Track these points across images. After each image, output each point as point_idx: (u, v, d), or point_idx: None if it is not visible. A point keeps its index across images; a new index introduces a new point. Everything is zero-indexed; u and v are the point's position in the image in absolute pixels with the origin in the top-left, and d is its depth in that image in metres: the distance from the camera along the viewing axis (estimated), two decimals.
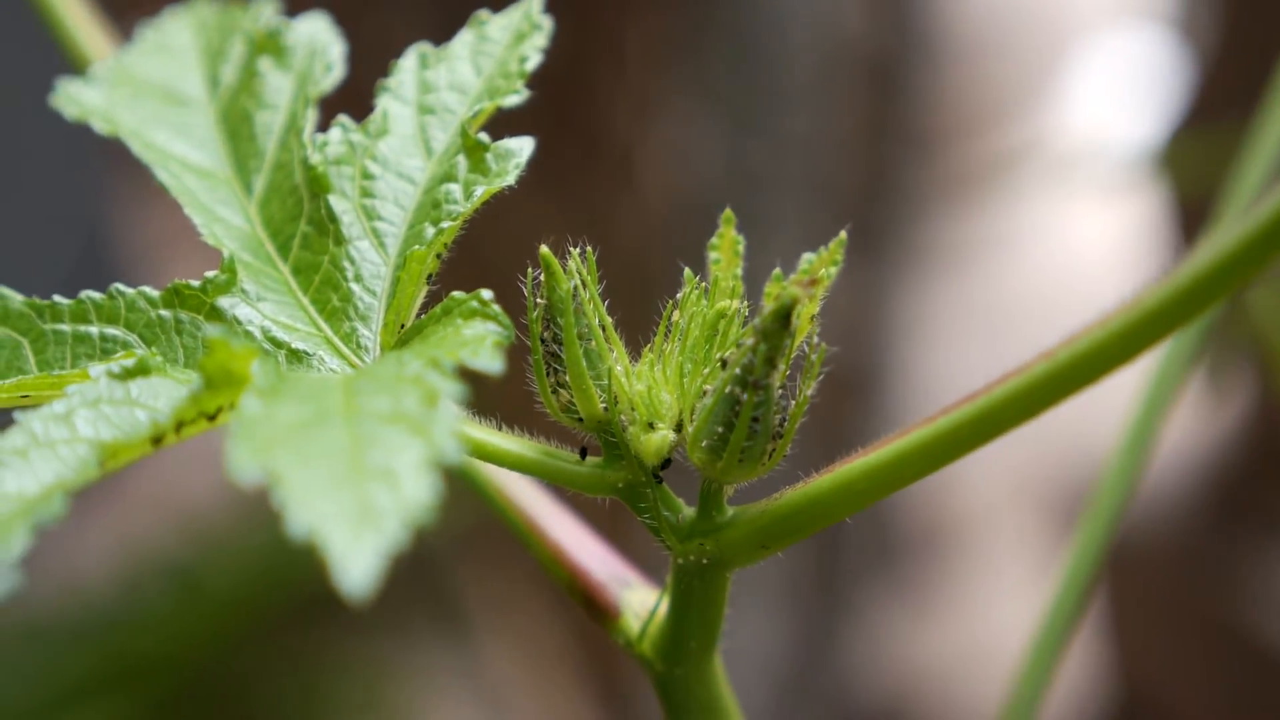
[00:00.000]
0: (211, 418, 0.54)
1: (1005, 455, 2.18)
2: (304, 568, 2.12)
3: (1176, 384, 0.83)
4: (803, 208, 1.66)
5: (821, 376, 0.58)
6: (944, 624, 2.17)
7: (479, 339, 0.54)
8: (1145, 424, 0.83)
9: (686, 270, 0.60)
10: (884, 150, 1.78)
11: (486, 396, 0.62)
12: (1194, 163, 1.66)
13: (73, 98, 0.65)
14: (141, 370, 0.54)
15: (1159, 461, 2.01)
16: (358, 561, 0.45)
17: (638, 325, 0.62)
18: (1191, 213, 1.90)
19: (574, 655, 2.19)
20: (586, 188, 1.85)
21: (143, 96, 0.66)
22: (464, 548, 2.20)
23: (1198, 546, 2.01)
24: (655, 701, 0.64)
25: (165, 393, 0.54)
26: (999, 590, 2.21)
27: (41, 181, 2.22)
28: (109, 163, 2.22)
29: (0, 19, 2.11)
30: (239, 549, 2.13)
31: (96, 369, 0.54)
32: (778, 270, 0.60)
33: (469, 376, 0.53)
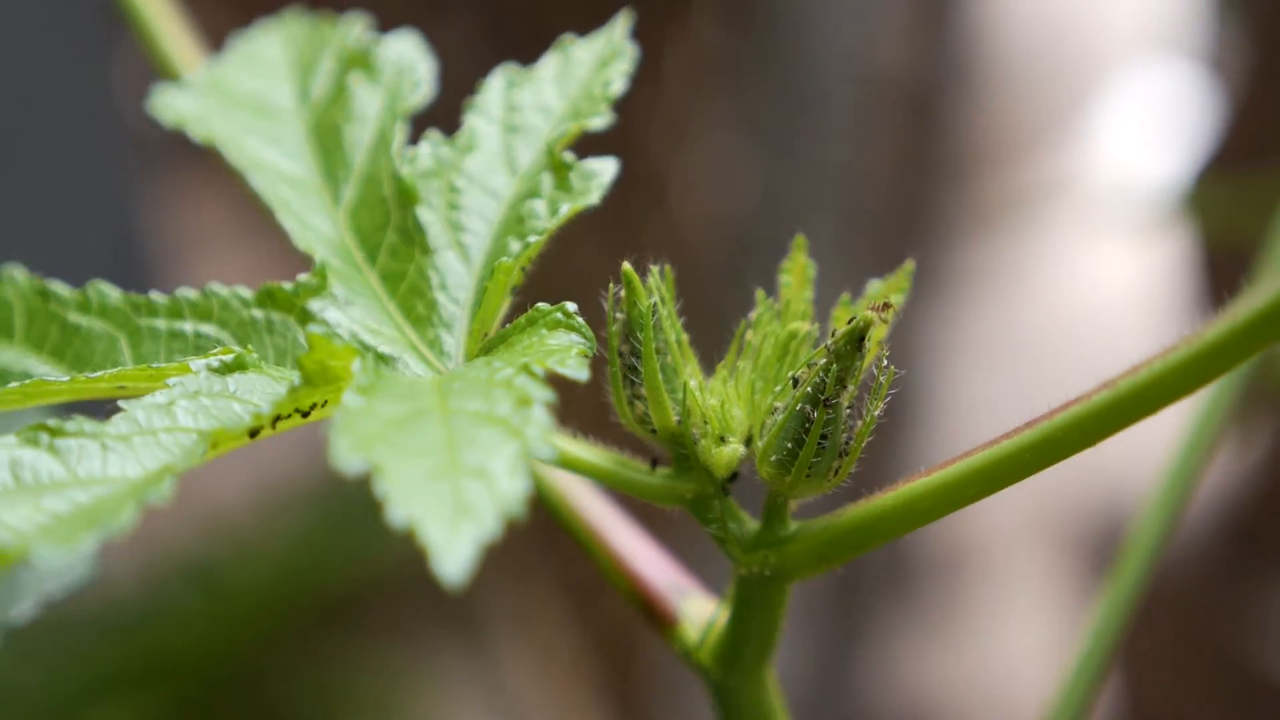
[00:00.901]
0: (305, 414, 0.56)
1: (1026, 484, 2.20)
2: (327, 572, 2.15)
3: (1218, 428, 0.86)
4: (838, 235, 1.68)
5: (889, 398, 0.60)
6: (960, 651, 2.19)
7: (565, 349, 0.56)
8: (1186, 468, 0.85)
9: (759, 291, 0.62)
10: (918, 179, 1.80)
11: (561, 408, 0.65)
12: (1222, 207, 1.69)
13: (169, 105, 0.68)
14: (239, 366, 0.57)
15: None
16: (455, 551, 0.47)
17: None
18: (1218, 257, 1.93)
19: (591, 667, 2.21)
20: (622, 211, 1.87)
21: (235, 106, 0.68)
22: (484, 557, 2.21)
23: (1211, 582, 2.03)
24: (671, 714, 0.66)
25: (261, 388, 0.56)
26: (1016, 619, 2.22)
27: (75, 177, 2.25)
28: (142, 160, 2.24)
29: (38, 15, 2.13)
30: (263, 551, 2.16)
31: (197, 363, 0.56)
32: (845, 295, 0.63)
33: (552, 385, 0.55)
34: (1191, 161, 2.07)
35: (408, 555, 2.12)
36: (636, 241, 1.94)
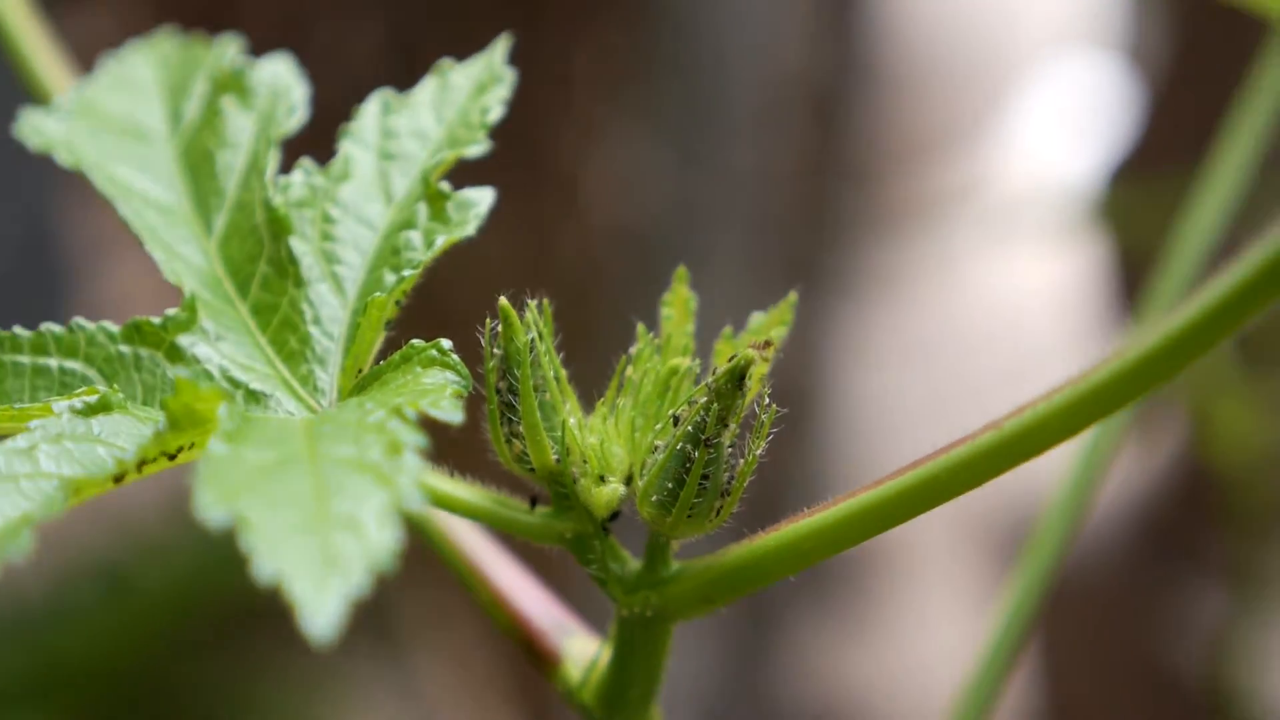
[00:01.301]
0: (172, 456, 0.55)
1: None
2: (237, 575, 2.12)
3: (1120, 429, 0.85)
4: (743, 239, 1.67)
5: (771, 437, 0.59)
6: (875, 652, 2.19)
7: (439, 388, 0.54)
8: (1088, 467, 0.85)
9: (640, 326, 0.61)
10: (825, 183, 1.80)
11: (440, 443, 0.63)
12: (1135, 212, 1.69)
13: (36, 129, 0.66)
14: (104, 407, 0.55)
15: (1095, 505, 2.04)
16: (323, 607, 0.46)
17: (581, 356, 0.63)
18: (1131, 259, 1.93)
19: (505, 677, 2.20)
20: (531, 215, 1.86)
21: (104, 130, 0.66)
22: (401, 566, 2.20)
23: (1126, 580, 2.03)
24: None
25: (127, 430, 0.55)
26: (930, 620, 2.23)
27: None
28: (51, 166, 2.21)
29: None
30: (172, 552, 2.13)
31: (60, 405, 0.54)
32: (728, 329, 0.61)
33: (425, 424, 0.54)
34: (1106, 161, 2.07)
35: None
36: (547, 247, 1.93)
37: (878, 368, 2.02)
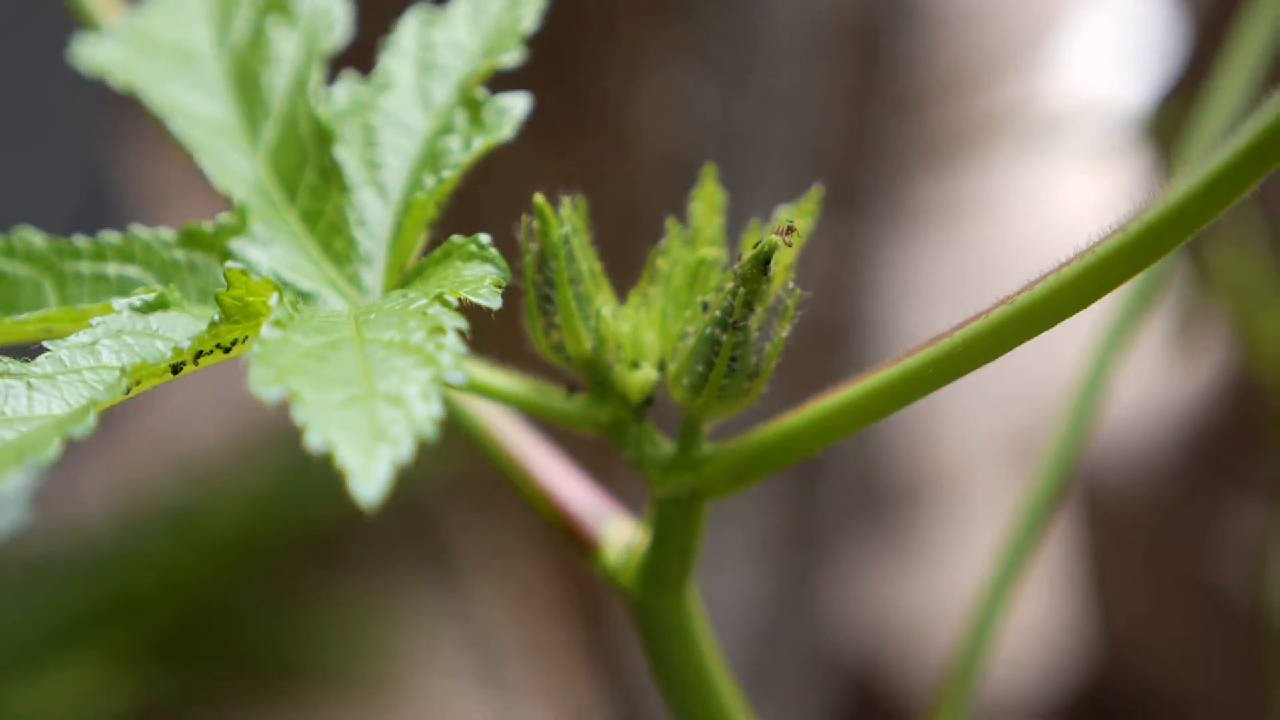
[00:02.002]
0: (227, 349, 0.58)
1: (989, 410, 2.22)
2: (299, 509, 2.17)
3: (1129, 330, 0.87)
4: (788, 167, 1.70)
5: (797, 321, 0.62)
6: (922, 576, 2.21)
7: (479, 279, 0.57)
8: (1098, 368, 0.87)
9: (670, 220, 0.64)
10: (870, 111, 1.81)
11: (479, 339, 0.66)
12: (1183, 128, 1.69)
13: (89, 54, 0.69)
14: (161, 305, 0.58)
15: (1137, 421, 2.06)
16: (371, 474, 0.49)
17: (626, 275, 0.66)
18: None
19: (562, 600, 2.23)
20: (577, 144, 1.89)
21: (156, 53, 0.69)
22: (455, 494, 2.24)
23: (1175, 504, 2.05)
24: (639, 651, 0.68)
25: (183, 326, 0.58)
26: (978, 542, 2.25)
27: (47, 127, 2.26)
28: (114, 110, 2.25)
29: None
30: (236, 491, 2.18)
31: (119, 303, 0.58)
32: (755, 221, 0.64)
33: (467, 316, 0.57)
34: (1154, 87, 2.08)
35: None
36: (594, 178, 1.96)
37: (924, 295, 2.04)
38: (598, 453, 0.74)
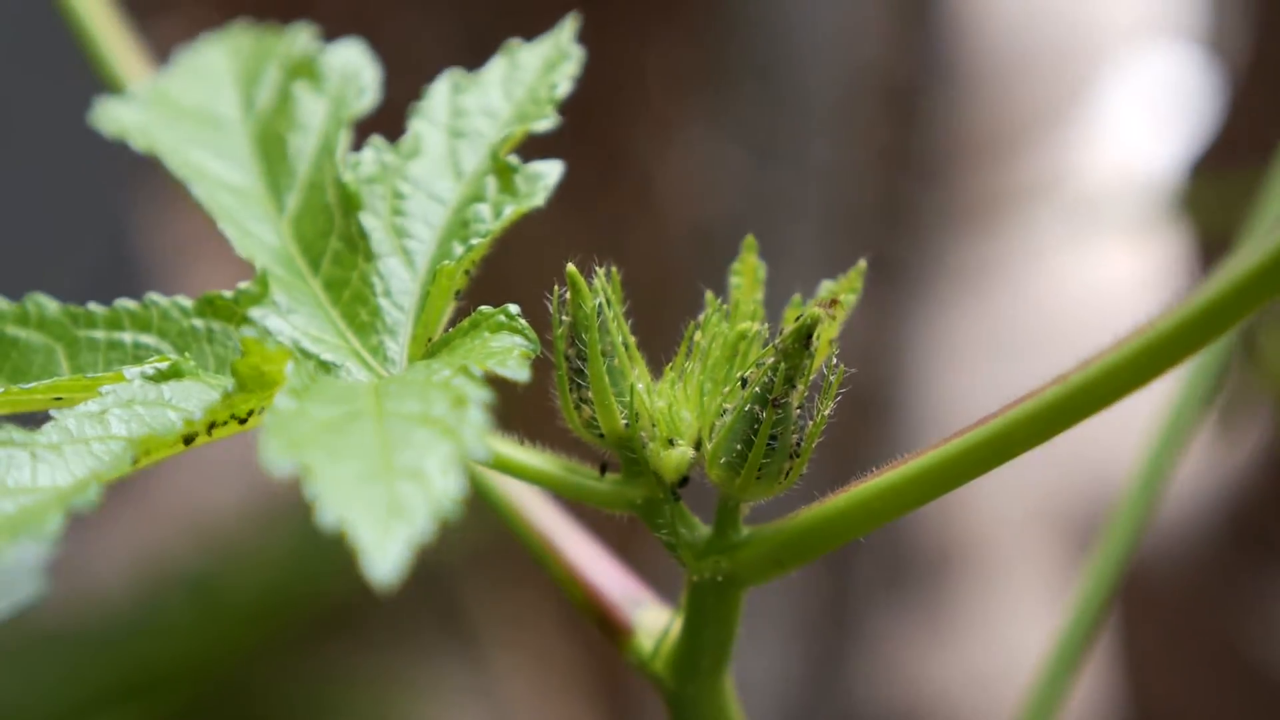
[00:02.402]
0: (243, 420, 0.55)
1: (1022, 477, 2.19)
2: (320, 581, 2.14)
3: (1193, 417, 0.85)
4: (820, 234, 1.67)
5: (839, 398, 0.59)
6: (957, 648, 2.18)
7: (506, 350, 0.55)
8: (1161, 457, 0.84)
9: (708, 292, 0.61)
10: (903, 177, 1.79)
11: (508, 413, 0.64)
12: (1216, 204, 1.68)
13: (111, 116, 0.67)
14: (175, 373, 0.56)
15: (1175, 492, 2.03)
16: (387, 552, 0.47)
17: (654, 346, 0.64)
18: (1212, 252, 1.92)
19: (584, 674, 2.20)
20: (606, 210, 1.87)
21: (179, 117, 0.67)
22: (477, 565, 2.21)
23: (1211, 576, 2.02)
24: None
25: (197, 395, 0.55)
26: (1013, 614, 2.21)
27: (67, 183, 2.25)
28: (135, 166, 2.25)
29: (32, 29, 2.14)
30: (257, 561, 2.15)
31: (131, 371, 0.55)
32: (797, 296, 0.62)
33: (494, 391, 0.54)
34: (1187, 154, 2.06)
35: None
36: (622, 246, 1.94)
37: (958, 364, 2.01)
38: (624, 530, 0.72)
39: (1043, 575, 2.24)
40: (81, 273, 2.24)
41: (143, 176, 2.25)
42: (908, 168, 1.80)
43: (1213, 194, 1.75)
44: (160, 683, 2.10)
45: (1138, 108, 2.16)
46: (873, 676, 2.00)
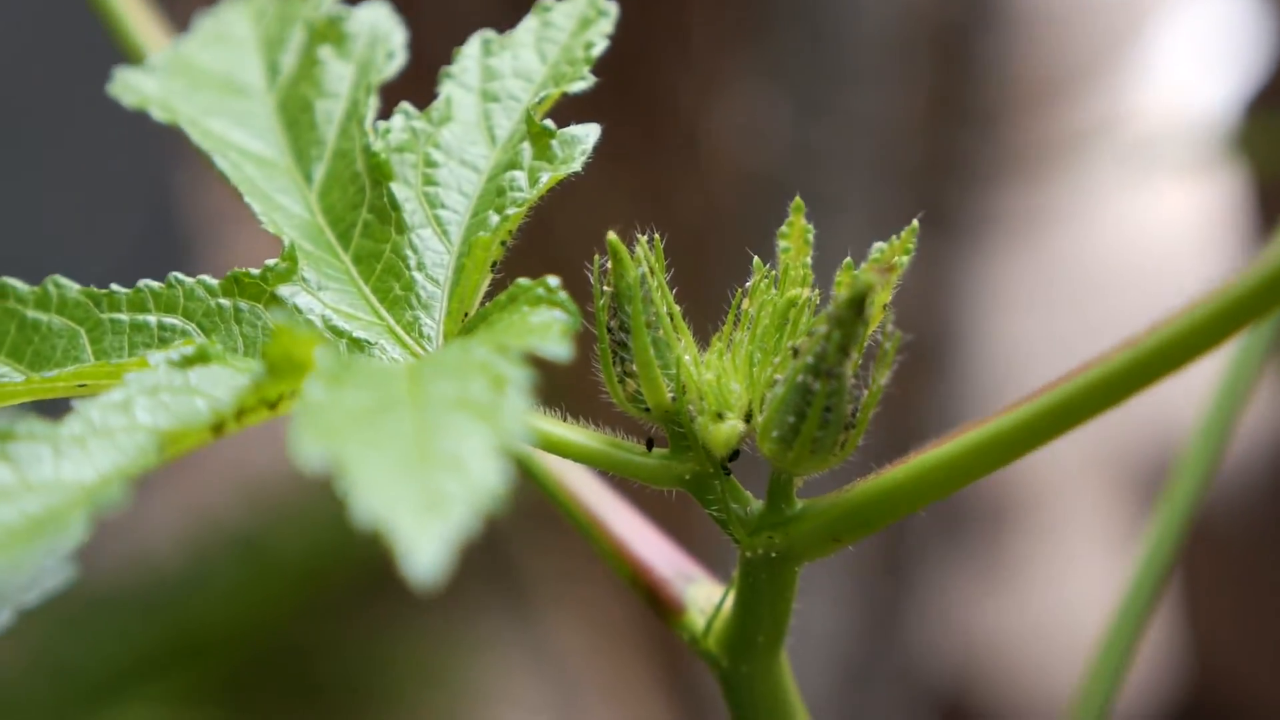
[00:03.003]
0: (273, 405, 0.53)
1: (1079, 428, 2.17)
2: (369, 540, 2.13)
3: (1256, 367, 0.82)
4: (869, 186, 1.64)
5: (896, 365, 0.56)
6: (1015, 599, 2.16)
7: (546, 326, 0.53)
8: (1224, 407, 0.82)
9: (756, 259, 0.59)
10: (954, 127, 1.76)
11: (550, 387, 0.61)
12: (1272, 143, 1.64)
13: (131, 86, 0.65)
14: (201, 358, 0.53)
15: (1237, 444, 2.01)
16: (426, 549, 0.44)
17: (700, 303, 0.61)
18: (1270, 192, 1.88)
19: (636, 631, 2.19)
20: (651, 166, 1.84)
21: (201, 86, 0.65)
22: (529, 522, 2.20)
23: (1269, 529, 1.99)
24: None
25: (225, 380, 0.53)
26: (1071, 566, 2.19)
27: (107, 155, 2.24)
28: (175, 137, 2.23)
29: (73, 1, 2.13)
30: (307, 521, 2.14)
31: (156, 357, 0.53)
32: (848, 260, 0.59)
33: (535, 365, 0.52)
34: (1241, 94, 2.02)
35: None
36: (669, 202, 1.91)
37: (1014, 313, 1.98)
38: (675, 505, 0.69)
39: (1102, 526, 2.22)
40: (120, 245, 2.22)
41: (185, 144, 2.24)
42: (958, 116, 1.76)
43: (1267, 134, 1.71)
44: (210, 646, 2.10)
45: (1190, 49, 2.12)
46: (930, 628, 1.98)
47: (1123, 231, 2.07)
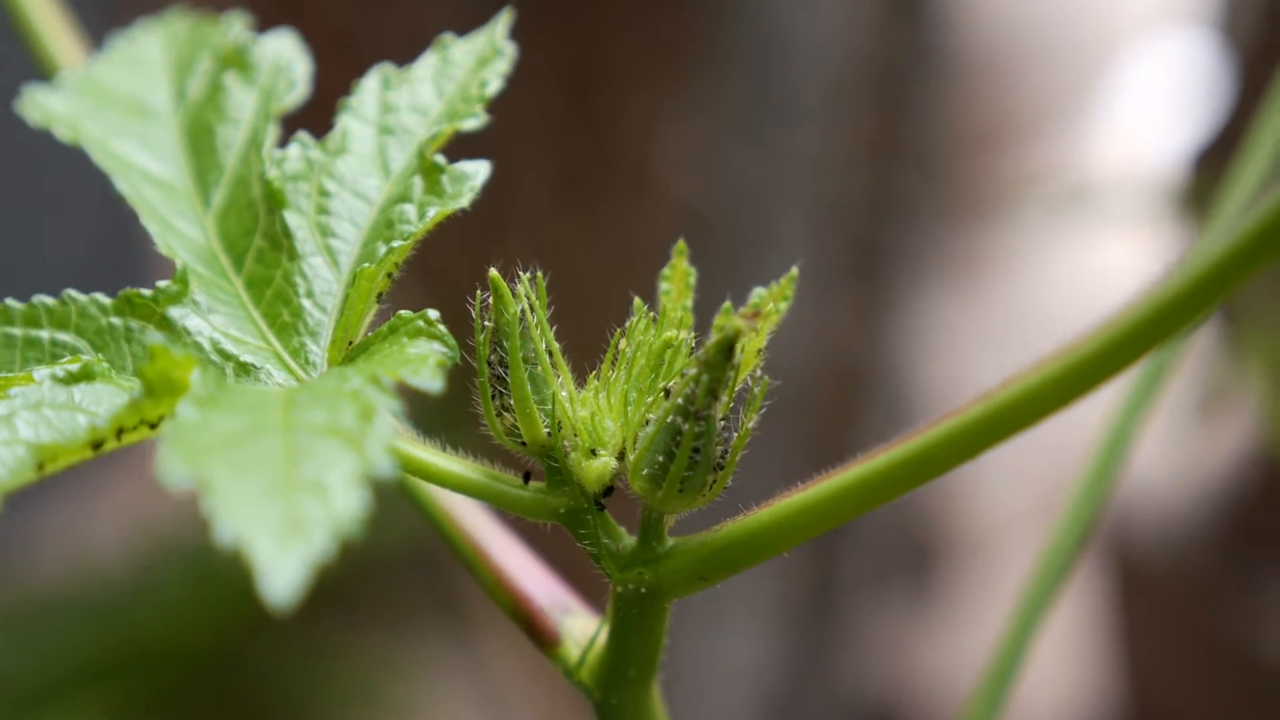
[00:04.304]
0: (154, 425, 0.54)
1: (1016, 464, 2.18)
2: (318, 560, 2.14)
3: (1149, 392, 0.84)
4: (808, 224, 1.66)
5: (764, 410, 0.58)
6: (944, 638, 2.17)
7: (422, 358, 0.54)
8: (1117, 433, 0.83)
9: (636, 299, 0.60)
10: (893, 168, 1.78)
11: (435, 418, 0.62)
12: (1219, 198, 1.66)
13: (38, 104, 0.66)
14: (86, 375, 0.55)
15: (1168, 485, 2.02)
16: (283, 571, 0.45)
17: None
18: None
19: None
20: (602, 192, 1.85)
21: (108, 106, 0.66)
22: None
23: (1206, 567, 2.01)
24: None
25: (108, 398, 0.54)
26: (1002, 605, 2.20)
27: (59, 160, 2.24)
28: None
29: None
30: None
31: (41, 372, 0.54)
32: (727, 304, 0.60)
33: (416, 397, 0.53)
34: (1194, 144, 2.04)
35: (397, 541, 2.11)
36: (614, 226, 1.92)
37: (948, 355, 1.99)
38: (564, 536, 0.70)
39: (1033, 563, 2.22)
40: (71, 259, 2.23)
41: None
42: (899, 158, 1.78)
43: (1215, 188, 1.73)
44: (154, 656, 2.10)
45: (1142, 100, 2.13)
46: (857, 663, 1.99)
47: (1062, 279, 2.09)
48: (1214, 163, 1.96)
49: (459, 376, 0.57)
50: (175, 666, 2.16)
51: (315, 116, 0.66)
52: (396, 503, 0.74)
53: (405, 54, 0.67)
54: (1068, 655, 2.21)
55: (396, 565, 2.25)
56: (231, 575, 2.16)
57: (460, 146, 0.62)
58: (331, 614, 2.24)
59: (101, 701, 2.07)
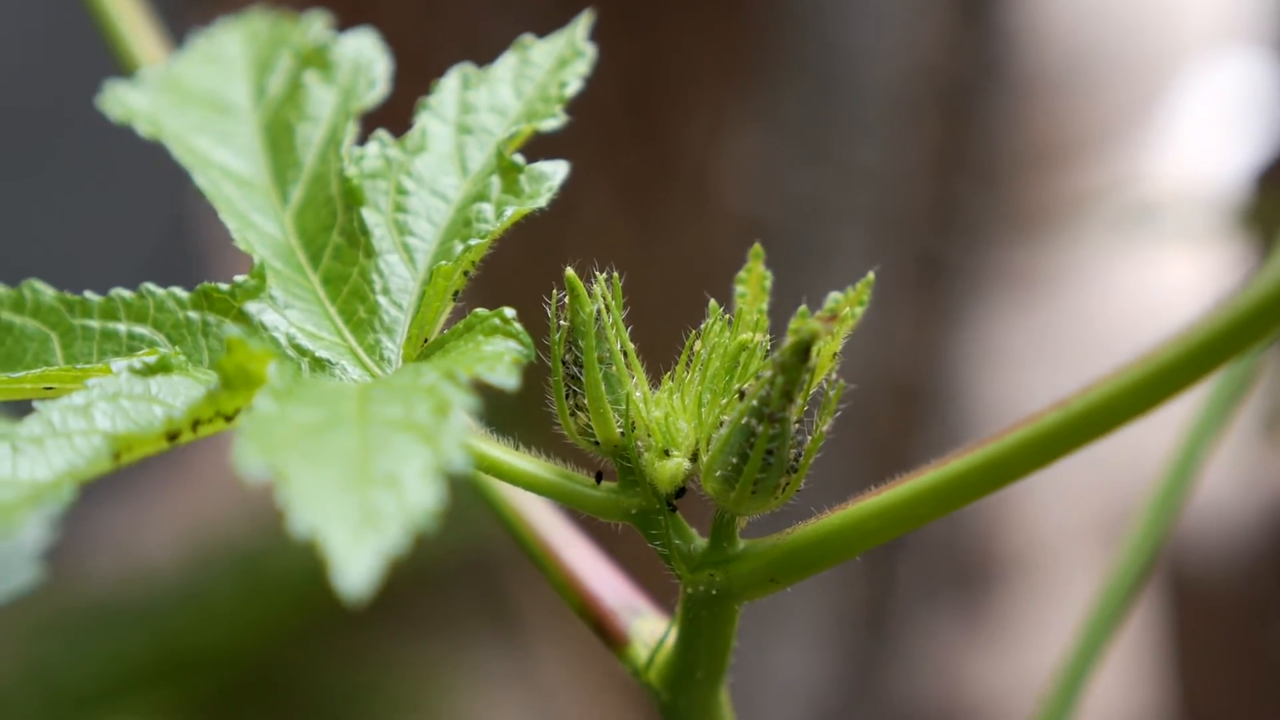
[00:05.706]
0: (229, 418, 0.54)
1: (1074, 482, 2.16)
2: None
3: (1221, 416, 0.83)
4: (870, 238, 1.66)
5: (839, 414, 0.58)
6: (1002, 656, 2.16)
7: (497, 355, 0.54)
8: (1189, 452, 0.83)
9: (711, 301, 0.60)
10: (957, 181, 1.77)
11: (508, 416, 0.63)
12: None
13: (119, 100, 0.66)
14: (163, 368, 0.55)
15: (1227, 507, 2.00)
16: (357, 563, 0.46)
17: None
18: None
19: (624, 669, 2.19)
20: (661, 202, 1.86)
21: (188, 103, 0.67)
22: (522, 554, 2.21)
23: (1264, 590, 2.00)
24: None
25: (184, 391, 0.55)
26: (1061, 623, 2.19)
27: (125, 166, 2.26)
28: None
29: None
30: (305, 542, 2.15)
31: (119, 364, 0.55)
32: (803, 307, 0.60)
33: (489, 394, 0.53)
34: (1256, 163, 2.03)
35: (450, 549, 2.11)
36: (673, 233, 1.93)
37: (1008, 371, 1.99)
38: (634, 536, 0.70)
39: (1090, 582, 2.22)
40: (142, 254, 2.24)
41: None
42: (963, 171, 1.78)
43: (1277, 207, 1.72)
44: (203, 662, 2.11)
45: (1205, 116, 2.12)
46: (911, 681, 1.98)
47: (1123, 296, 2.08)
48: (1275, 182, 1.95)
49: (527, 377, 0.57)
50: (224, 673, 2.17)
51: (377, 117, 0.66)
52: (448, 510, 0.74)
53: (467, 58, 0.67)
54: (1122, 676, 2.20)
55: (447, 575, 2.25)
56: (282, 583, 2.17)
57: (523, 151, 0.62)
58: (381, 623, 2.24)
59: (151, 706, 2.08)
